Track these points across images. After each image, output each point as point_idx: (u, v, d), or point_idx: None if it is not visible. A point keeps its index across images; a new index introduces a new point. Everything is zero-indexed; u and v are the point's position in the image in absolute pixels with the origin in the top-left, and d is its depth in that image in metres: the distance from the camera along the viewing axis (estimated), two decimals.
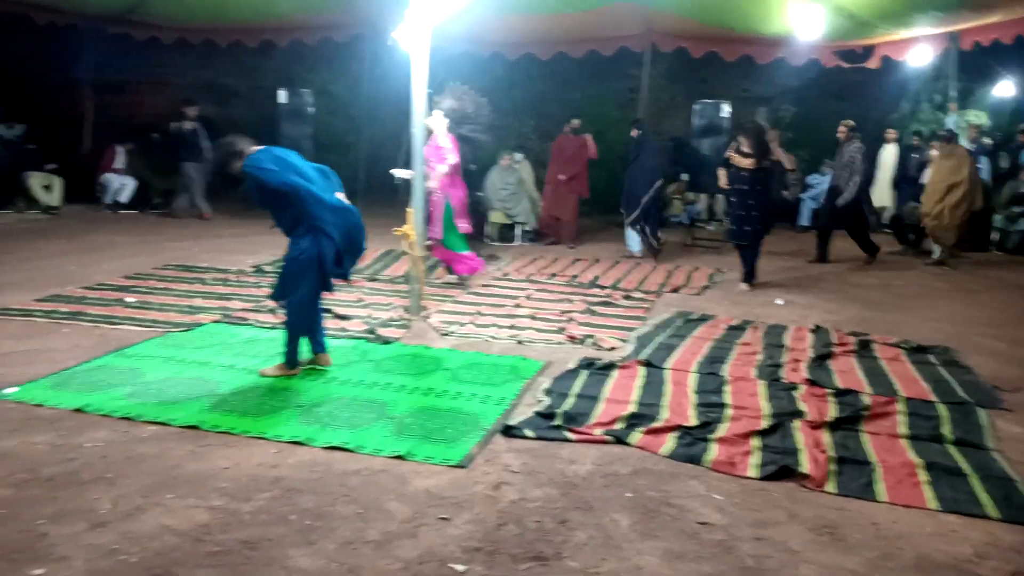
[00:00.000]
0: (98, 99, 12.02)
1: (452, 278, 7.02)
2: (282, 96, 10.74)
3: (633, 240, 8.93)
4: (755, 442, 3.66)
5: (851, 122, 8.59)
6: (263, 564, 2.58)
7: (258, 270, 7.33)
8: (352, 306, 6.06)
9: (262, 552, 2.65)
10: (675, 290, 7.05)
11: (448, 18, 5.88)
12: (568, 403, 4.07)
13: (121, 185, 10.91)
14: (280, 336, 4.51)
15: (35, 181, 10.26)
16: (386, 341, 5.15)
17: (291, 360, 4.43)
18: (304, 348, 4.50)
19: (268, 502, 2.99)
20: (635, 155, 8.82)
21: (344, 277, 4.60)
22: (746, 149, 7.04)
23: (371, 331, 5.34)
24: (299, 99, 10.59)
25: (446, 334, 5.39)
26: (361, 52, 11.68)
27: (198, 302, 5.99)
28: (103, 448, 3.40)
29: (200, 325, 5.35)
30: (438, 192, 6.60)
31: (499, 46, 11.55)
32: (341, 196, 4.43)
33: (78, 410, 3.79)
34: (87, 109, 11.92)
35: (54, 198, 10.29)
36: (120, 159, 11.01)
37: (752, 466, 3.42)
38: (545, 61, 11.81)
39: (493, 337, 5.34)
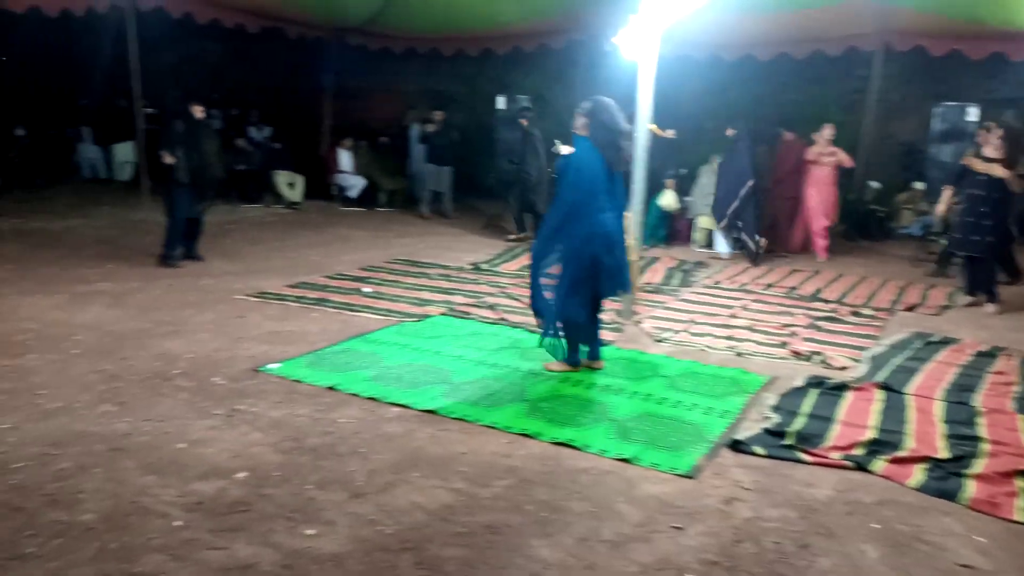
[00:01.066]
0: (335, 105, 13.16)
1: None
2: (500, 102, 11.17)
3: (721, 243, 8.89)
4: (1022, 483, 3.29)
5: None
6: (506, 550, 2.70)
7: (476, 268, 7.68)
8: None
9: (504, 538, 2.77)
10: (910, 308, 6.49)
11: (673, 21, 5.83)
12: (799, 422, 3.88)
13: (352, 184, 11.88)
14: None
15: (281, 179, 11.42)
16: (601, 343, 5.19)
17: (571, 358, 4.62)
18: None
19: (505, 490, 3.12)
20: (727, 157, 8.77)
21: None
22: (993, 154, 6.34)
23: None
24: (516, 105, 10.97)
25: (660, 340, 5.34)
26: (576, 58, 11.86)
27: (425, 295, 6.38)
28: (355, 424, 3.72)
29: (428, 317, 5.70)
30: None
31: (718, 48, 11.24)
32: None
33: (331, 388, 4.17)
34: (326, 114, 13.10)
35: (297, 194, 11.41)
36: (346, 160, 11.98)
37: (1020, 509, 3.08)
38: (765, 63, 11.33)
39: (709, 347, 5.22)
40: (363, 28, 11.85)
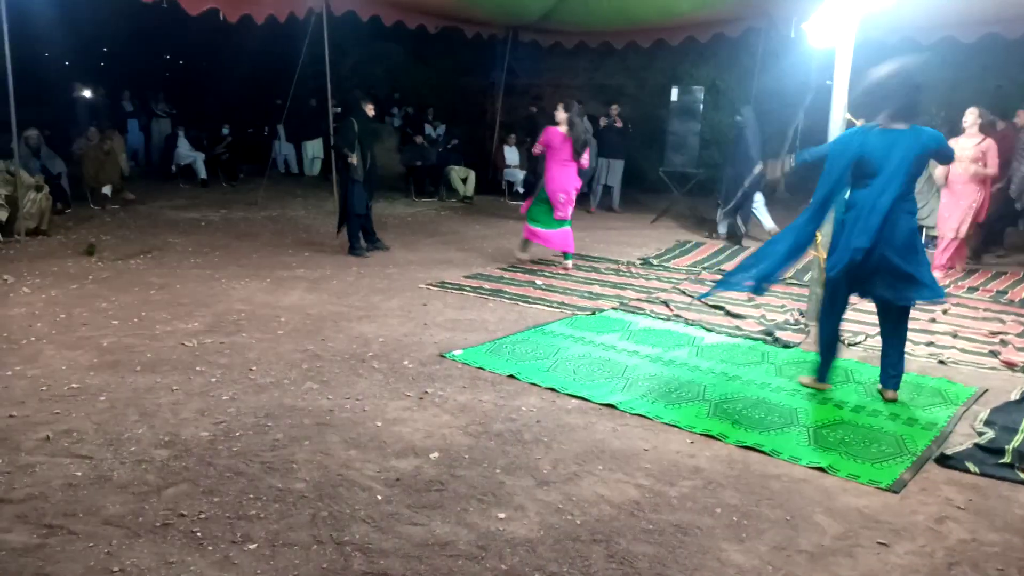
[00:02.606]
0: (506, 101, 13.45)
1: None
2: (674, 93, 10.96)
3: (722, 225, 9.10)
4: None
5: None
6: (697, 551, 2.65)
7: (645, 262, 7.59)
8: (743, 304, 5.96)
9: (694, 539, 2.72)
10: None
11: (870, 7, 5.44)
12: (1018, 439, 3.52)
13: (519, 178, 12.11)
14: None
15: (455, 174, 11.84)
16: (787, 345, 4.97)
17: (821, 373, 4.19)
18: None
19: (692, 490, 3.06)
20: (735, 143, 9.07)
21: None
22: None
23: (768, 333, 5.20)
24: (690, 96, 10.71)
25: (852, 344, 5.03)
26: (753, 46, 11.40)
27: (596, 289, 6.39)
28: (536, 413, 3.79)
29: (601, 311, 5.70)
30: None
31: (911, 30, 10.39)
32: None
33: (511, 376, 4.27)
34: (496, 110, 13.41)
35: (469, 189, 11.78)
36: (512, 155, 12.20)
37: None
38: (968, 44, 10.35)
39: (908, 353, 4.83)
40: (536, 25, 12.00)
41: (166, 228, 8.67)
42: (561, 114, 7.23)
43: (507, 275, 6.83)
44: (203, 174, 12.22)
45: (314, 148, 13.93)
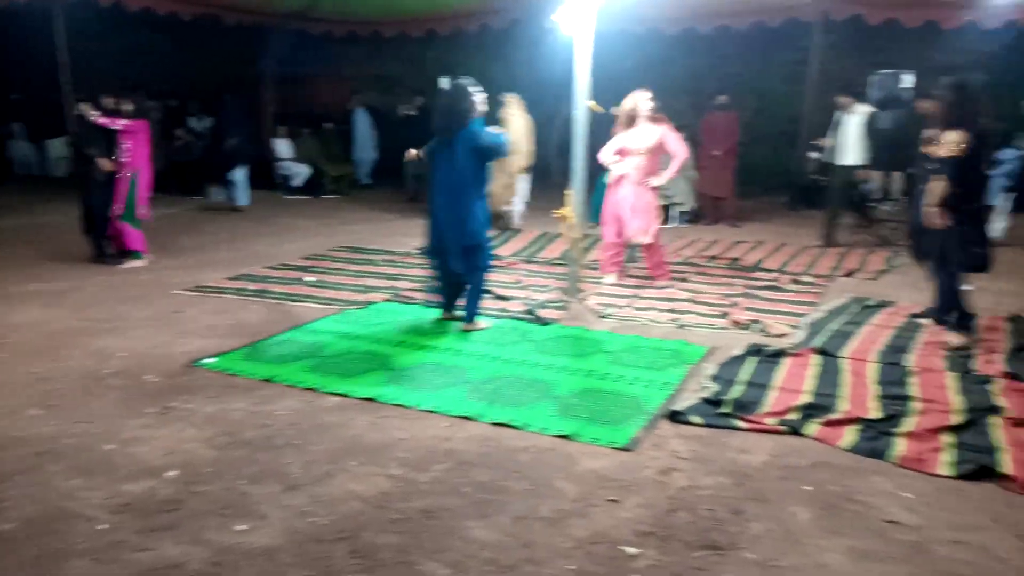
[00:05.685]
0: (277, 93, 12.90)
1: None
2: (443, 84, 11.08)
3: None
4: (947, 438, 3.38)
5: None
6: (442, 533, 2.69)
7: (423, 252, 7.59)
8: (511, 287, 6.16)
9: (440, 521, 2.76)
10: (848, 274, 6.63)
11: None
12: (737, 390, 3.93)
13: (296, 172, 11.68)
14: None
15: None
16: (545, 322, 5.20)
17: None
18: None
19: (443, 473, 3.11)
20: None
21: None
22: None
23: (530, 312, 5.41)
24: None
25: (604, 316, 5.37)
26: (518, 37, 11.79)
27: (369, 282, 6.31)
28: (292, 416, 3.67)
29: (372, 304, 5.64)
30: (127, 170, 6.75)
31: (657, 21, 11.25)
32: None
33: (268, 380, 4.10)
34: (267, 102, 12.82)
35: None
36: (284, 149, 11.76)
37: (944, 464, 3.17)
38: (706, 35, 11.39)
39: (653, 321, 5.26)
40: (303, 13, 11.60)
41: None
42: None
43: (274, 274, 6.55)
44: None
45: (58, 148, 12.55)
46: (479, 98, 4.90)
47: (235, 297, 5.78)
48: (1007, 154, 10.40)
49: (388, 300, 5.75)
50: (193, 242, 8.00)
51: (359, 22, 11.96)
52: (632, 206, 6.25)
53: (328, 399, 3.88)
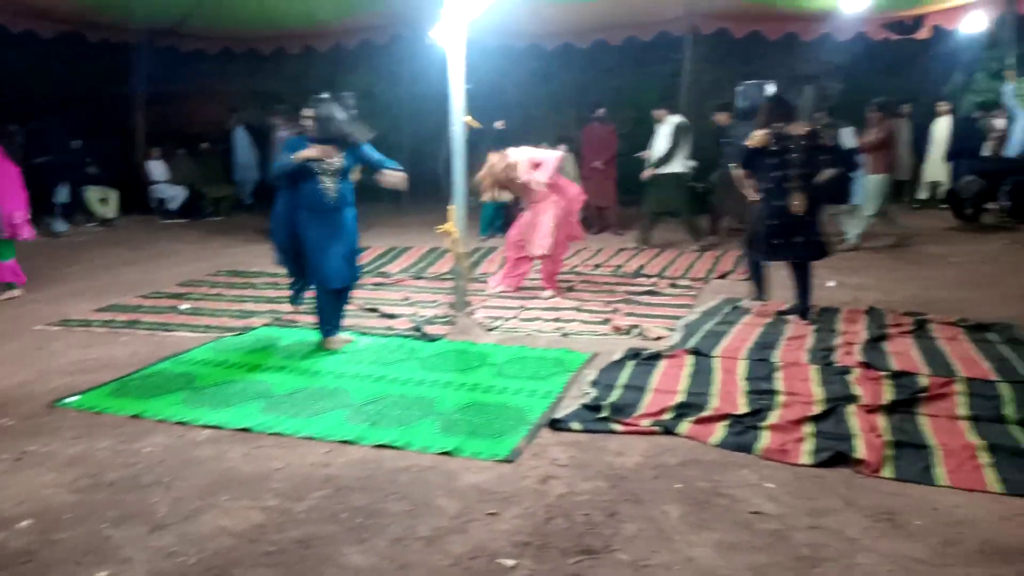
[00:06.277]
0: (149, 112, 12.36)
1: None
2: (347, 100, 10.93)
3: None
4: (808, 428, 3.58)
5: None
6: (317, 562, 2.63)
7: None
8: (398, 304, 6.12)
9: (315, 550, 2.70)
10: (722, 276, 6.94)
11: (484, 12, 5.87)
12: (615, 395, 4.04)
13: (172, 195, 11.22)
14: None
15: (92, 195, 10.61)
16: (432, 338, 5.19)
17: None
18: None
19: (320, 501, 3.04)
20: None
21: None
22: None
23: (417, 329, 5.38)
24: (342, 103, 10.73)
25: (491, 329, 5.41)
26: (400, 53, 11.78)
27: (249, 306, 6.12)
28: (161, 452, 3.51)
29: (252, 329, 5.47)
30: None
31: (536, 37, 11.50)
32: None
33: (136, 416, 3.91)
34: (138, 122, 12.26)
35: (111, 210, 10.63)
36: (159, 171, 11.30)
37: (805, 453, 3.35)
38: (584, 49, 11.72)
39: (538, 331, 5.34)
40: (172, 30, 11.18)
41: None
42: None
43: (147, 303, 6.26)
44: None
45: None
46: (309, 117, 4.88)
47: (103, 330, 5.48)
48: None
49: (268, 324, 5.59)
50: (61, 273, 7.54)
51: (233, 39, 11.65)
52: (530, 221, 6.37)
53: (201, 432, 3.72)
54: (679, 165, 8.63)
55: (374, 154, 5.04)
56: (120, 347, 5.09)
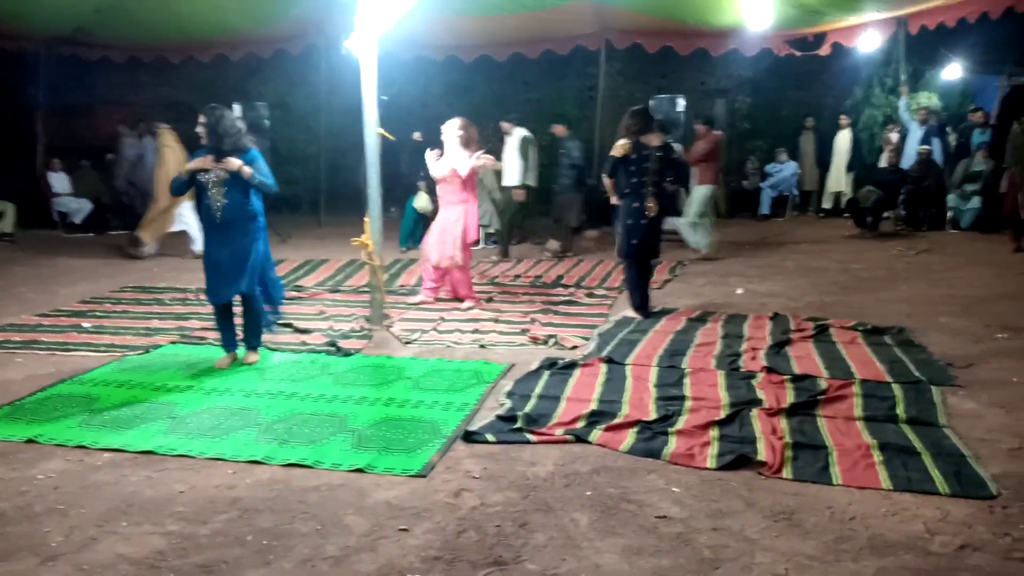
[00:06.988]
0: (51, 123, 11.83)
1: None
2: (236, 110, 10.64)
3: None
4: (714, 432, 3.69)
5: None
6: None
7: None
8: (313, 319, 6.02)
9: (219, 575, 2.62)
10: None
11: (399, 24, 5.87)
12: (530, 405, 4.07)
13: (75, 208, 10.75)
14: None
15: None
16: (347, 353, 5.12)
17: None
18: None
19: (225, 524, 2.96)
20: None
21: None
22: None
23: (332, 344, 5.30)
24: (254, 112, 10.46)
25: (408, 342, 5.38)
26: (316, 63, 11.62)
27: (155, 323, 5.91)
28: (56, 479, 3.35)
29: (157, 347, 5.29)
30: None
31: (454, 49, 11.55)
32: None
33: (31, 440, 3.72)
34: (39, 133, 11.71)
35: (7, 225, 10.09)
36: (61, 183, 10.83)
37: (710, 456, 3.45)
38: (502, 63, 11.84)
39: (456, 342, 5.34)
40: (72, 38, 10.74)
41: None
42: None
43: (46, 322, 5.96)
44: None
45: None
46: (201, 125, 4.65)
47: None
48: (773, 167, 11.67)
49: (175, 342, 5.41)
50: None
51: (140, 47, 11.26)
52: (441, 230, 6.37)
53: (100, 456, 3.57)
54: (530, 178, 8.95)
55: (262, 167, 4.77)
56: (15, 369, 4.84)
